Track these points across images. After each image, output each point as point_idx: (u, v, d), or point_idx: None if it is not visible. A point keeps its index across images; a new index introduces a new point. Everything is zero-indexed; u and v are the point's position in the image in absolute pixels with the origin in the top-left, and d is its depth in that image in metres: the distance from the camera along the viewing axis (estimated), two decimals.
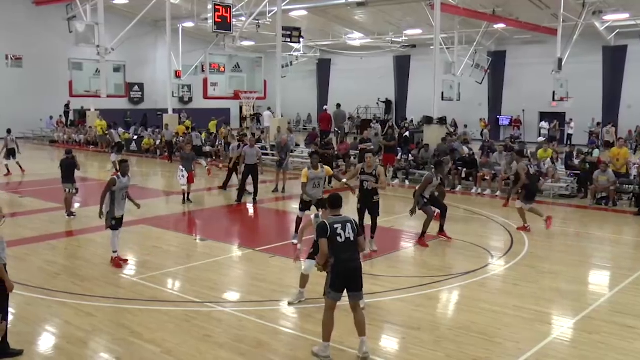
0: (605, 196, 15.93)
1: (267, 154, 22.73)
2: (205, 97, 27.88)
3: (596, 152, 18.63)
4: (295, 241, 11.08)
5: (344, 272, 6.42)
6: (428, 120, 22.31)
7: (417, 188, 11.69)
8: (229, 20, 22.91)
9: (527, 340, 7.00)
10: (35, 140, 34.31)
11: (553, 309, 8.26)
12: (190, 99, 41.19)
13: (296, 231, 11.12)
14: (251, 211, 15.53)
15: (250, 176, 15.89)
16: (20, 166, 20.49)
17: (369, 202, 10.52)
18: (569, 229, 14.01)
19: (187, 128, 28.67)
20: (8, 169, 20.26)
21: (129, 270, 9.80)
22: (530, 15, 28.87)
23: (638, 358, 6.67)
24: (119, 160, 11.15)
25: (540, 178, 16.88)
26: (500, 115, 37.09)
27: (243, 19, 25.77)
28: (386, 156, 20.03)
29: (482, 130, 35.17)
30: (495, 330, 7.30)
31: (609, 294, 8.87)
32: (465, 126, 34.40)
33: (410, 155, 20.68)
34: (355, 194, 10.82)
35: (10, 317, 6.73)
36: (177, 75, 34.69)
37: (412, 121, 33.74)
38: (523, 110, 35.03)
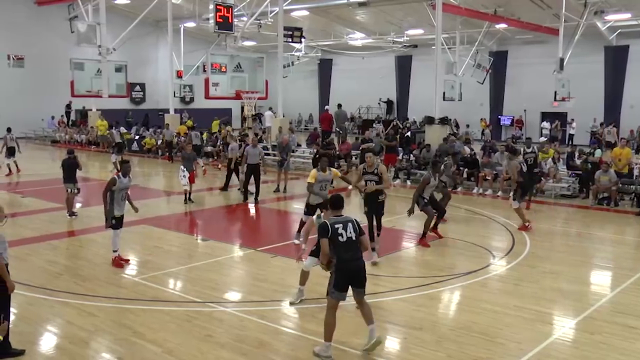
0: (606, 196, 15.92)
1: (268, 154, 22.74)
2: (207, 97, 27.90)
3: (598, 152, 18.63)
4: (297, 241, 11.10)
5: (347, 271, 6.45)
6: (429, 120, 22.31)
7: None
8: (230, 20, 22.94)
9: (528, 341, 6.99)
10: (37, 140, 34.35)
11: (554, 309, 8.25)
12: (192, 99, 41.22)
13: (298, 231, 11.12)
14: (252, 211, 15.53)
15: (252, 176, 15.89)
16: (16, 165, 20.46)
17: (374, 203, 10.26)
18: (571, 229, 14.03)
19: (189, 128, 28.69)
20: (9, 169, 20.29)
21: (131, 270, 9.81)
22: (532, 15, 28.85)
23: (639, 358, 6.67)
24: (121, 161, 11.16)
25: (542, 178, 16.91)
26: (502, 115, 37.08)
27: (244, 19, 25.78)
28: (387, 156, 20.04)
29: (483, 130, 35.19)
30: (496, 331, 7.30)
31: (611, 294, 8.86)
32: (468, 126, 34.41)
33: (411, 156, 20.68)
34: (363, 192, 10.45)
35: (12, 317, 6.73)
36: (179, 75, 34.67)
37: (414, 122, 33.71)
38: (525, 110, 35.00)
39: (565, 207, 16.13)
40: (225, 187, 17.66)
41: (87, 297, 8.29)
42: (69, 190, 13.39)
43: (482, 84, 34.47)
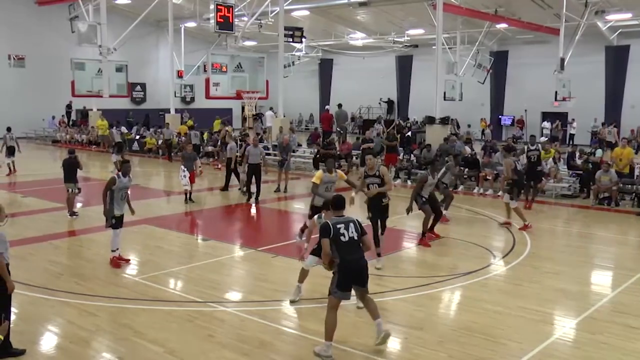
0: (607, 196, 15.91)
1: (269, 154, 22.75)
2: (208, 97, 27.92)
3: (599, 152, 18.60)
4: (297, 240, 11.09)
5: (350, 271, 6.48)
6: (430, 120, 22.31)
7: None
8: (231, 20, 22.94)
9: (529, 341, 6.99)
10: (38, 140, 34.37)
11: (555, 309, 8.24)
12: (193, 99, 41.23)
13: (302, 231, 11.08)
14: (253, 211, 15.53)
15: (253, 176, 15.89)
16: (13, 166, 20.30)
17: (378, 207, 10.00)
18: (571, 229, 14.02)
19: (189, 128, 28.71)
20: (10, 168, 20.27)
21: (132, 270, 9.81)
22: (533, 15, 28.85)
23: None
24: (121, 160, 11.17)
25: (543, 178, 16.90)
26: (503, 115, 37.07)
27: (245, 18, 25.78)
28: (388, 156, 20.05)
29: (483, 130, 35.19)
30: (497, 331, 7.30)
31: (612, 294, 8.86)
32: (469, 126, 34.39)
33: (412, 155, 20.68)
34: (367, 194, 10.16)
35: (13, 317, 6.73)
36: (179, 75, 34.73)
37: (415, 121, 33.71)
38: (525, 110, 34.99)
39: (565, 207, 16.13)
40: (225, 187, 17.66)
41: (88, 297, 8.29)
42: (70, 190, 13.39)
43: (483, 84, 34.49)
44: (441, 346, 6.83)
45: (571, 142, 30.81)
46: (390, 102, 41.67)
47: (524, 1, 27.59)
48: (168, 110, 31.50)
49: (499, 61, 36.10)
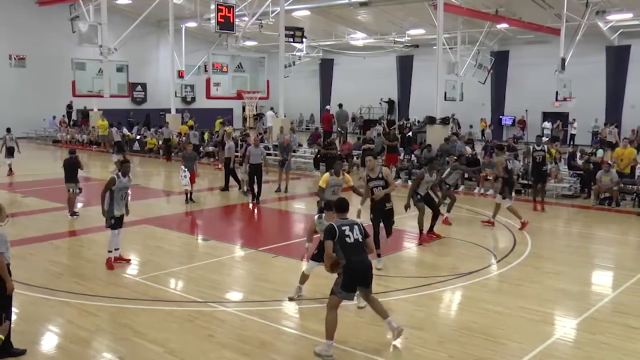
0: (608, 196, 15.90)
1: (270, 154, 22.74)
2: (208, 97, 27.93)
3: (600, 152, 18.59)
4: (307, 246, 10.93)
5: (355, 272, 6.51)
6: (431, 120, 22.30)
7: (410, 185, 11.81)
8: (231, 20, 22.95)
9: (530, 341, 6.98)
10: (38, 140, 34.37)
11: (556, 309, 8.24)
12: (193, 99, 41.25)
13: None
14: (253, 211, 15.53)
15: (254, 176, 15.88)
16: (10, 167, 20.13)
17: (381, 210, 9.92)
18: (572, 229, 14.01)
19: (189, 127, 28.72)
20: (10, 168, 20.25)
21: (132, 270, 9.81)
22: (533, 15, 28.82)
23: None
24: (121, 160, 11.15)
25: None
26: (503, 115, 37.05)
27: (246, 19, 25.80)
28: (389, 156, 20.06)
29: (483, 130, 35.17)
30: (497, 331, 7.30)
31: (612, 295, 8.85)
32: (471, 126, 34.36)
33: (412, 155, 20.67)
34: (375, 197, 9.96)
35: (14, 317, 6.73)
36: (180, 75, 34.75)
37: (416, 121, 33.69)
38: (526, 111, 34.97)
39: (566, 207, 16.12)
40: (225, 187, 17.66)
41: (88, 297, 8.29)
42: (71, 190, 13.39)
43: (484, 84, 34.45)
44: (442, 346, 6.83)
45: (572, 142, 30.80)
46: (390, 102, 41.65)
47: (524, 1, 27.56)
48: (169, 110, 31.50)
49: (500, 61, 36.06)
